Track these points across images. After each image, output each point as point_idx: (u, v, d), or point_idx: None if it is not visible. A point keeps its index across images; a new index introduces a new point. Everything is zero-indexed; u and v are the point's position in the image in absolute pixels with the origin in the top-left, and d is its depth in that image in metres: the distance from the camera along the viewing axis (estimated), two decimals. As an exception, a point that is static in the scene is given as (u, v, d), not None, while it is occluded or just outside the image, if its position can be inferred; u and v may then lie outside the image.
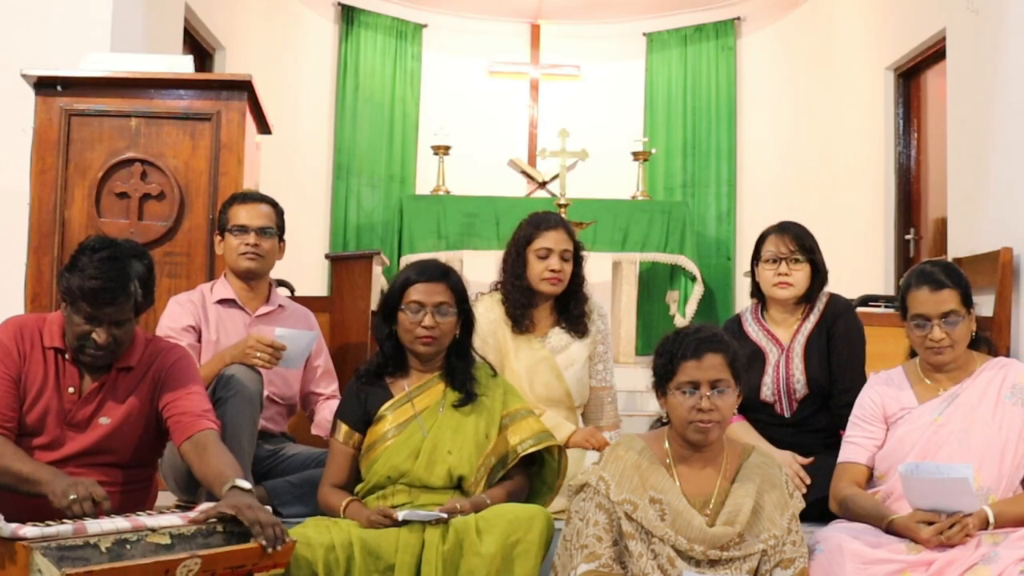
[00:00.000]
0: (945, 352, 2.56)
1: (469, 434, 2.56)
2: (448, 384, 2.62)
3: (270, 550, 2.06)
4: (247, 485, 2.20)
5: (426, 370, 2.63)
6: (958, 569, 2.29)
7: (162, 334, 2.90)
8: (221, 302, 3.05)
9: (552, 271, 3.09)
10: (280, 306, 3.14)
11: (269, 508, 2.17)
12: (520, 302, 3.13)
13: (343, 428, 2.61)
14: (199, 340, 2.99)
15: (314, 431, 3.20)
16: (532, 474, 2.69)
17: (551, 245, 3.10)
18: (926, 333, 2.56)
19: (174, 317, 2.99)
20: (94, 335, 2.33)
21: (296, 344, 2.88)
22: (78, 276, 2.29)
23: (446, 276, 2.61)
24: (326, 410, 3.07)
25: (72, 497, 2.13)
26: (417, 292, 2.57)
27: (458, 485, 2.54)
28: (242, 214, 3.04)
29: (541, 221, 3.17)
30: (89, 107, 3.39)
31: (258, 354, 2.80)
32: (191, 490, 2.71)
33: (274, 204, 3.12)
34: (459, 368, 2.63)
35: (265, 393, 2.92)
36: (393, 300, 2.60)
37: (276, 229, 3.09)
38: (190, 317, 2.99)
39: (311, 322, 3.22)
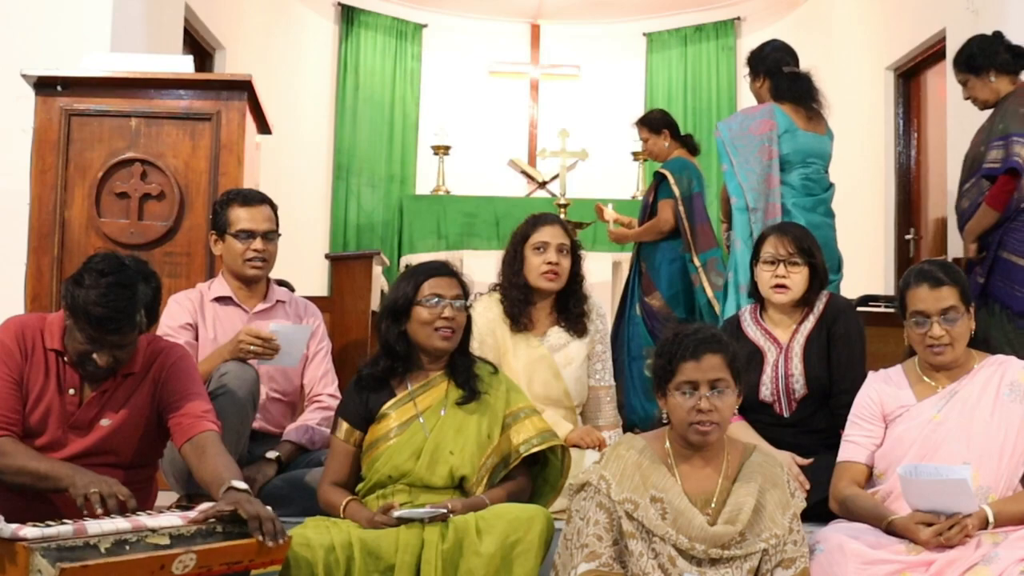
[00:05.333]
0: (945, 352, 2.55)
1: (471, 434, 2.56)
2: (452, 382, 2.62)
3: (270, 543, 2.06)
4: (243, 486, 2.20)
5: (432, 368, 2.63)
6: (958, 569, 2.28)
7: (161, 332, 2.90)
8: (218, 300, 3.04)
9: (549, 263, 3.10)
10: (279, 302, 3.13)
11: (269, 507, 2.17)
12: (518, 300, 3.13)
13: (344, 426, 2.61)
14: (196, 338, 2.99)
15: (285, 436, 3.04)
16: (534, 474, 2.69)
17: (547, 239, 3.13)
18: (926, 331, 2.56)
19: (172, 315, 2.99)
20: (95, 356, 2.32)
21: (292, 339, 2.86)
22: (82, 298, 2.25)
23: (457, 274, 2.67)
24: (301, 419, 3.05)
25: (93, 490, 2.13)
26: (436, 285, 2.59)
27: (459, 485, 2.54)
28: (246, 217, 3.00)
29: (538, 219, 3.21)
30: (89, 107, 3.39)
31: (251, 347, 2.79)
32: (192, 485, 2.70)
33: (271, 203, 3.10)
34: (462, 365, 2.64)
35: (269, 394, 2.90)
36: (408, 296, 2.60)
37: (278, 231, 3.08)
38: (187, 315, 2.99)
39: (313, 313, 3.20)
